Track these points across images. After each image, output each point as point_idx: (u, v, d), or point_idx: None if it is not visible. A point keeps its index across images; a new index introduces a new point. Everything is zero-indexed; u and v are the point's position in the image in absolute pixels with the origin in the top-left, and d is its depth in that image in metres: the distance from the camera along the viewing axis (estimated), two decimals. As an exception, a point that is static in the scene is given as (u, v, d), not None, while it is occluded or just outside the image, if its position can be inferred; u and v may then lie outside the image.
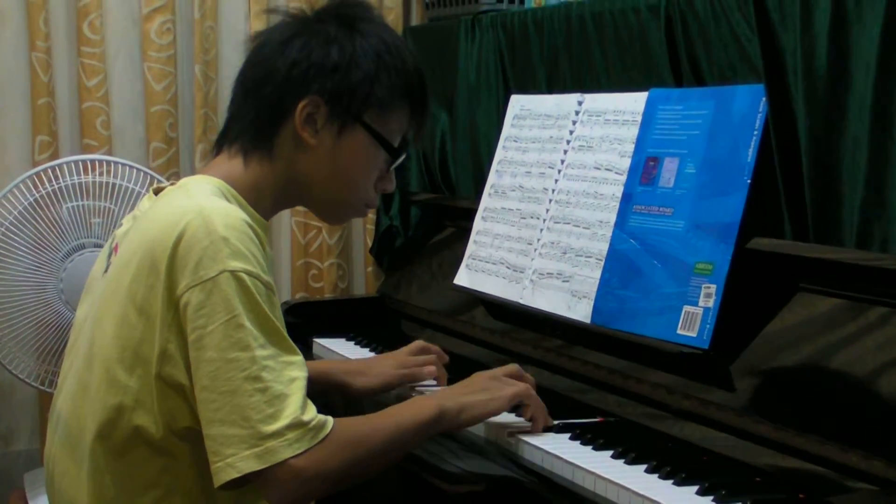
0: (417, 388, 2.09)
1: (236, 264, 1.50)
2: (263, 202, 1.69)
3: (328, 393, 2.08)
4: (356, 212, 1.80)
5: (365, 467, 1.59)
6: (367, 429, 1.60)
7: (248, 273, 1.51)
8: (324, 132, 1.67)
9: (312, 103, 1.66)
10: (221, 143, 1.73)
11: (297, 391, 1.51)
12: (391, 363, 2.09)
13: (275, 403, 1.48)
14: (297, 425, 1.49)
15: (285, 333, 1.55)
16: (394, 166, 1.76)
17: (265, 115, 1.68)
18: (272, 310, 1.53)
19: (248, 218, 1.57)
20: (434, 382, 2.12)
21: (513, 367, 1.85)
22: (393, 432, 1.62)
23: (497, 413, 1.79)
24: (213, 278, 1.49)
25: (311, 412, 1.52)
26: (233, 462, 1.48)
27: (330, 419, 1.54)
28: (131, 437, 1.55)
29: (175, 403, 1.54)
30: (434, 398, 1.72)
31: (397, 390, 2.08)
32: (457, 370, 2.06)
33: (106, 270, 1.67)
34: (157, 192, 1.70)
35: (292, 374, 1.52)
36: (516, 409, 1.87)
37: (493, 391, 1.77)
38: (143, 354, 1.53)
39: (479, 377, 1.81)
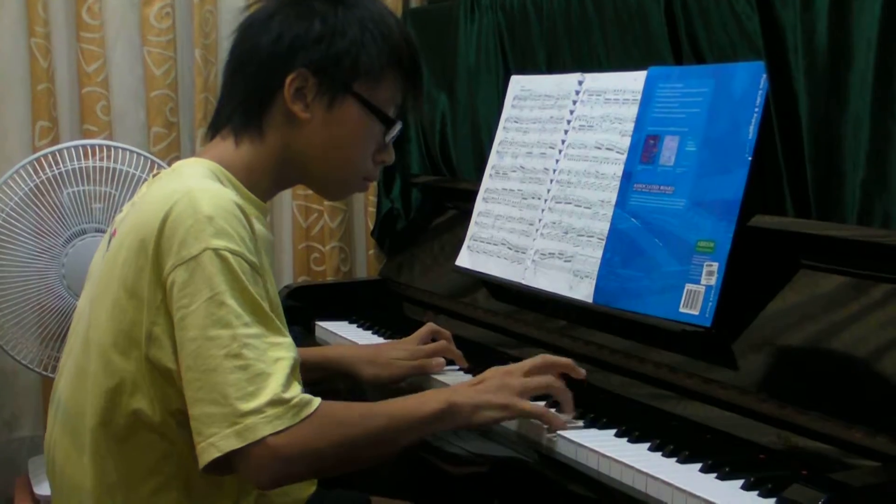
0: (436, 378, 2.07)
1: (219, 242, 1.48)
2: (260, 183, 1.68)
3: (333, 379, 2.07)
4: (356, 186, 1.78)
5: (351, 452, 1.54)
6: (357, 413, 1.57)
7: (232, 252, 1.48)
8: (315, 105, 1.66)
9: (300, 76, 1.65)
10: (215, 127, 1.73)
11: (281, 371, 1.47)
12: (402, 354, 2.07)
13: (255, 381, 1.45)
14: (277, 402, 1.45)
15: (271, 314, 1.51)
16: (390, 137, 1.74)
17: (254, 94, 1.67)
18: (258, 290, 1.51)
19: (239, 199, 1.56)
20: (457, 367, 2.12)
21: (539, 358, 1.78)
22: (385, 421, 1.57)
23: (511, 419, 1.74)
24: (196, 257, 1.47)
25: (295, 390, 1.48)
26: (214, 441, 1.45)
27: (317, 399, 1.50)
28: (131, 422, 1.54)
29: (164, 385, 1.53)
30: (445, 393, 1.67)
31: (409, 380, 2.08)
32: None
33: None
34: (156, 178, 1.70)
35: (278, 354, 1.49)
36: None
37: (509, 395, 1.68)
38: (135, 337, 1.53)
39: (495, 372, 1.73)
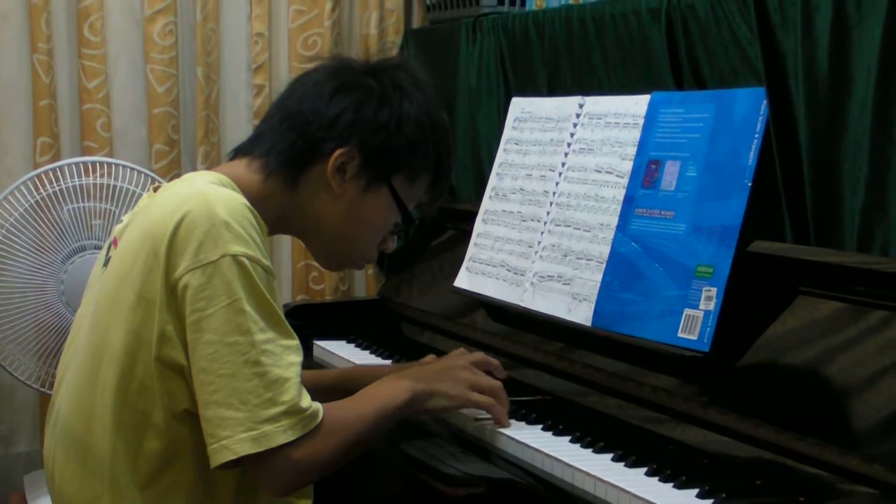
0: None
1: (238, 248, 1.52)
2: (263, 216, 1.69)
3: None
4: (354, 264, 1.85)
5: (349, 454, 1.61)
6: (353, 416, 1.63)
7: (250, 258, 1.52)
8: (350, 183, 1.70)
9: (348, 154, 1.69)
10: (243, 151, 1.74)
11: (295, 375, 1.53)
12: None
13: (272, 388, 1.50)
14: (294, 412, 1.51)
15: (283, 318, 1.56)
16: (398, 230, 1.80)
17: (299, 150, 1.69)
18: (272, 294, 1.55)
19: (249, 203, 1.58)
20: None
21: (479, 355, 1.88)
22: (375, 418, 1.65)
23: (458, 409, 1.84)
24: (215, 262, 1.50)
25: (307, 399, 1.55)
26: (229, 444, 1.49)
27: (321, 407, 1.57)
28: (141, 424, 1.56)
29: (175, 385, 1.55)
30: (407, 381, 1.74)
31: None
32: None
33: (105, 265, 1.67)
34: (156, 190, 1.71)
35: (291, 358, 1.54)
36: None
37: (461, 388, 1.78)
38: (144, 338, 1.55)
39: (453, 363, 1.83)
